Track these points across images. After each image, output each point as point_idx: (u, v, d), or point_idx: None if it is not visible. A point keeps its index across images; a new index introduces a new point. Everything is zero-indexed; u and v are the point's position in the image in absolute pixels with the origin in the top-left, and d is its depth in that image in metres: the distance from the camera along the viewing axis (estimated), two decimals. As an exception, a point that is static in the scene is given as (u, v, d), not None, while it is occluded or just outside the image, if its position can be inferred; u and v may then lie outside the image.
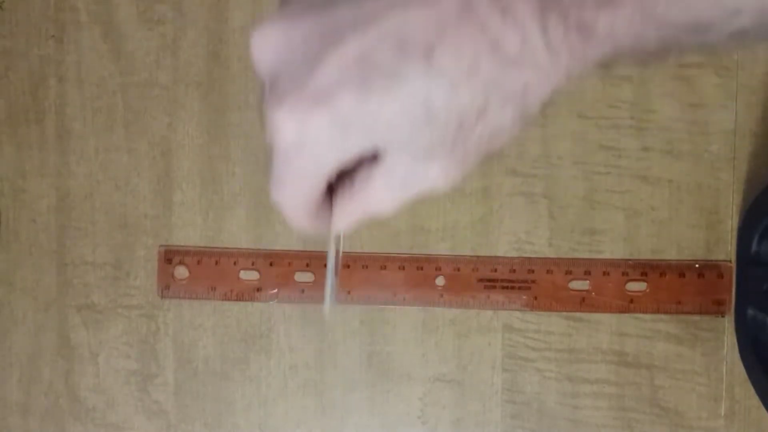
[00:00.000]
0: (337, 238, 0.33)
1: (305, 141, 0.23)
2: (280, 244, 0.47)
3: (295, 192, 0.24)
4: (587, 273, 0.46)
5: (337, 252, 0.33)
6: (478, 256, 0.46)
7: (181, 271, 0.47)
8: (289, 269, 0.47)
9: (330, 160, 0.23)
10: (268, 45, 0.23)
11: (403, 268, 0.46)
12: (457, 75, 0.21)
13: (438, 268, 0.46)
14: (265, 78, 0.24)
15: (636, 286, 0.45)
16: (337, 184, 0.25)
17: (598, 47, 0.21)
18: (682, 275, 0.45)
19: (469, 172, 0.24)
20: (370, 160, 0.24)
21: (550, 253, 0.46)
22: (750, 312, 0.43)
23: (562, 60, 0.22)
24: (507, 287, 0.46)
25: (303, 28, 0.22)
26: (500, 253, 0.46)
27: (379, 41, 0.21)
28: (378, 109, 0.22)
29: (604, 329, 0.46)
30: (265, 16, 0.23)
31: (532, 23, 0.21)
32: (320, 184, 0.24)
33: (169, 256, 0.47)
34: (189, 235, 0.47)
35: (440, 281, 0.46)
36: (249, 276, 0.47)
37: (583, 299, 0.45)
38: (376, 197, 0.25)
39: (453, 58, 0.21)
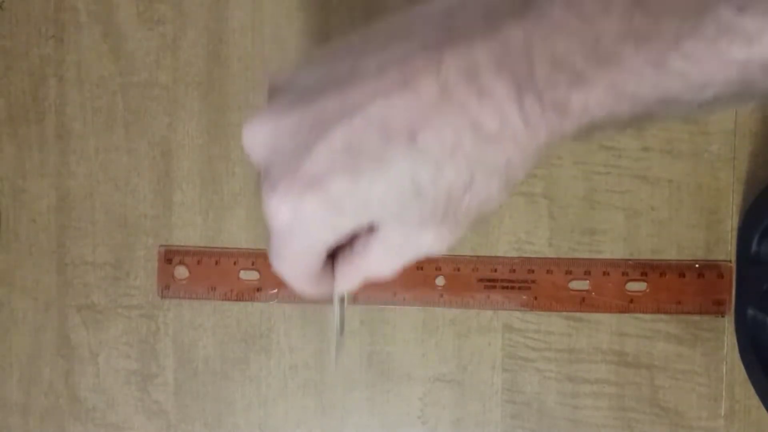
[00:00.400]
0: (341, 297, 0.34)
1: (300, 223, 0.24)
2: (280, 244, 0.47)
3: (293, 266, 0.26)
4: (587, 273, 0.46)
5: (342, 311, 0.34)
6: (478, 256, 0.46)
7: (181, 271, 0.47)
8: (289, 269, 0.47)
9: (324, 238, 0.25)
10: (260, 138, 0.25)
11: (403, 268, 0.46)
12: (441, 155, 0.23)
13: (438, 268, 0.46)
14: (259, 166, 0.25)
15: (636, 286, 0.45)
16: (337, 249, 0.27)
17: (574, 121, 0.22)
18: (682, 275, 0.45)
19: (463, 235, 0.25)
20: (366, 229, 0.25)
21: (550, 253, 0.46)
22: (750, 312, 0.43)
23: (540, 134, 0.23)
24: (507, 287, 0.46)
25: (292, 120, 0.24)
26: (500, 253, 0.46)
27: (364, 128, 0.23)
28: (368, 191, 0.23)
29: (604, 329, 0.46)
30: (256, 112, 0.25)
31: (509, 104, 0.22)
32: (317, 259, 0.26)
33: (169, 256, 0.47)
34: (189, 235, 0.47)
35: (440, 281, 0.46)
36: (249, 276, 0.47)
37: (583, 299, 0.45)
38: (374, 263, 0.26)
39: (436, 140, 0.22)
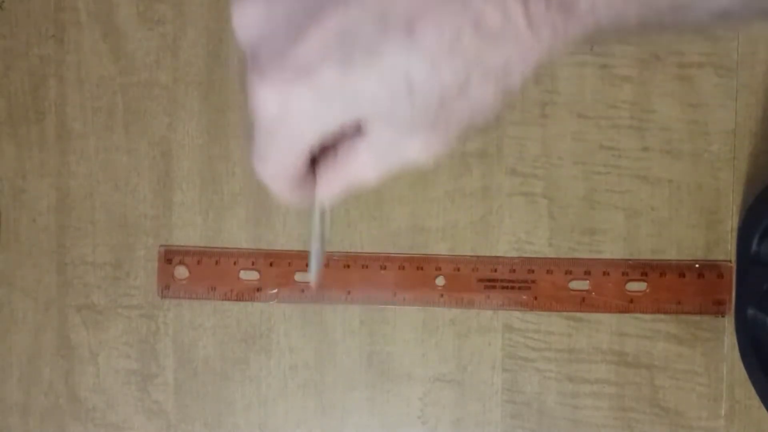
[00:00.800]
0: (323, 209, 0.33)
1: (287, 114, 0.23)
2: (280, 244, 0.47)
3: (277, 164, 0.25)
4: (587, 273, 0.46)
5: (325, 221, 0.33)
6: (478, 256, 0.46)
7: (181, 271, 0.47)
8: (289, 269, 0.47)
9: (312, 132, 0.23)
10: (251, 17, 0.23)
11: (403, 268, 0.46)
12: (438, 51, 0.22)
13: (438, 268, 0.46)
14: (247, 50, 0.24)
15: (636, 286, 0.45)
16: (320, 155, 0.26)
17: (580, 24, 0.22)
18: (682, 275, 0.45)
19: (452, 146, 0.24)
20: (353, 131, 0.24)
21: (550, 253, 0.46)
22: (750, 312, 0.43)
23: (543, 36, 0.22)
24: (507, 287, 0.46)
25: (285, 1, 0.23)
26: (500, 253, 0.46)
27: (361, 16, 0.22)
28: (359, 83, 0.22)
29: (604, 329, 0.46)
30: None
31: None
32: (303, 156, 0.24)
33: (169, 256, 0.47)
34: (189, 235, 0.47)
35: (440, 281, 0.46)
36: (249, 276, 0.47)
37: (583, 299, 0.45)
38: (359, 167, 0.25)
39: (434, 34, 0.21)
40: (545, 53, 0.22)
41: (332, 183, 0.26)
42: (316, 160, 0.26)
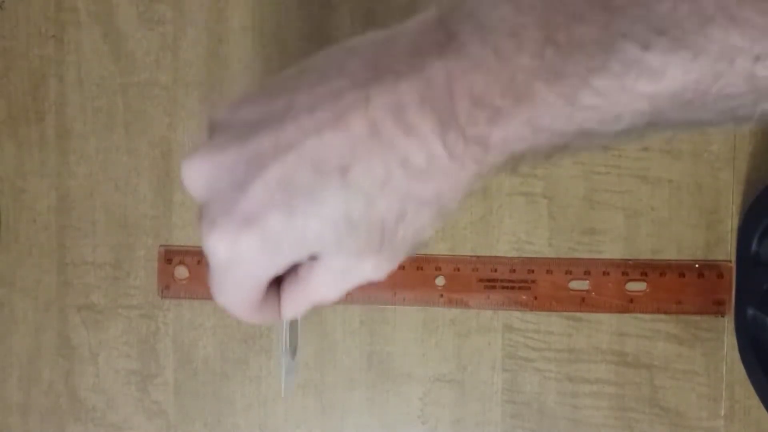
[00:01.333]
0: (294, 321, 0.34)
1: (238, 259, 0.25)
2: (280, 244, 0.47)
3: (235, 298, 0.27)
4: (587, 273, 0.46)
5: (295, 334, 0.34)
6: (478, 256, 0.46)
7: (181, 271, 0.47)
8: (289, 269, 0.47)
9: (263, 273, 0.25)
10: (198, 175, 0.25)
11: (403, 268, 0.46)
12: (372, 189, 0.24)
13: (438, 268, 0.46)
14: (199, 203, 0.26)
15: (636, 286, 0.45)
16: (284, 275, 0.27)
17: (497, 154, 0.23)
18: (682, 275, 0.45)
19: (403, 260, 0.26)
20: (311, 257, 0.26)
21: (550, 253, 0.46)
22: (750, 312, 0.43)
23: (467, 166, 0.24)
24: (507, 287, 0.46)
25: (228, 157, 0.25)
26: (500, 253, 0.46)
27: (298, 165, 0.23)
28: (303, 226, 0.24)
29: (604, 329, 0.46)
30: (198, 148, 0.26)
31: (433, 139, 0.23)
32: (258, 292, 0.26)
33: (169, 256, 0.47)
34: (189, 235, 0.47)
35: (440, 281, 0.46)
36: (249, 276, 0.47)
37: (583, 299, 0.45)
38: (319, 289, 0.27)
39: (366, 175, 0.23)
40: (472, 180, 0.24)
41: (295, 302, 0.28)
42: (280, 280, 0.28)
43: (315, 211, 0.24)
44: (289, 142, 0.23)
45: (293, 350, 0.35)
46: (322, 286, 0.26)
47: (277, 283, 0.28)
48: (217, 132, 0.26)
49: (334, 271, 0.26)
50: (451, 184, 0.24)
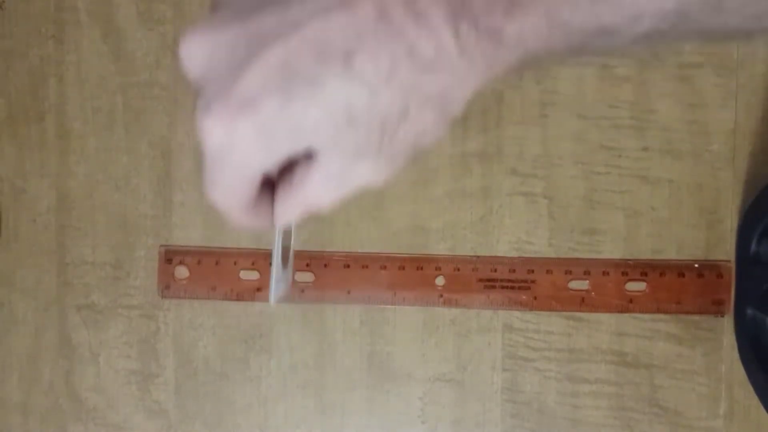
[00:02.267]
0: (288, 230, 0.33)
1: (232, 145, 0.24)
2: (280, 244, 0.47)
3: (227, 192, 0.25)
4: (587, 273, 0.46)
5: (288, 245, 0.34)
6: (478, 256, 0.46)
7: (182, 271, 0.47)
8: (289, 269, 0.47)
9: (258, 163, 0.24)
10: (196, 52, 0.24)
11: (403, 268, 0.46)
12: (376, 80, 0.22)
13: (438, 268, 0.46)
14: (194, 83, 0.24)
15: (636, 286, 0.45)
16: (278, 179, 0.26)
17: (510, 51, 0.22)
18: (681, 275, 0.45)
19: (406, 167, 0.25)
20: (307, 156, 0.25)
21: (549, 253, 0.46)
22: (749, 312, 0.43)
23: (477, 64, 0.23)
24: (507, 287, 0.46)
25: (228, 35, 0.23)
26: (500, 253, 0.46)
27: (300, 48, 0.22)
28: (301, 114, 0.23)
29: (604, 329, 0.46)
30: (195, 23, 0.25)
31: (445, 29, 0.22)
32: (252, 185, 0.25)
33: (169, 256, 0.47)
34: (189, 235, 0.47)
35: (440, 281, 0.46)
36: (249, 276, 0.47)
37: (583, 299, 0.46)
38: (313, 193, 0.25)
39: (371, 64, 0.22)
40: (481, 80, 0.23)
41: (289, 207, 0.27)
42: (275, 183, 0.27)
43: (315, 99, 0.23)
44: (293, 23, 0.22)
45: (286, 259, 0.34)
46: (316, 190, 0.25)
47: (272, 188, 0.27)
48: (219, 8, 0.25)
49: (330, 172, 0.25)
50: (458, 81, 0.23)
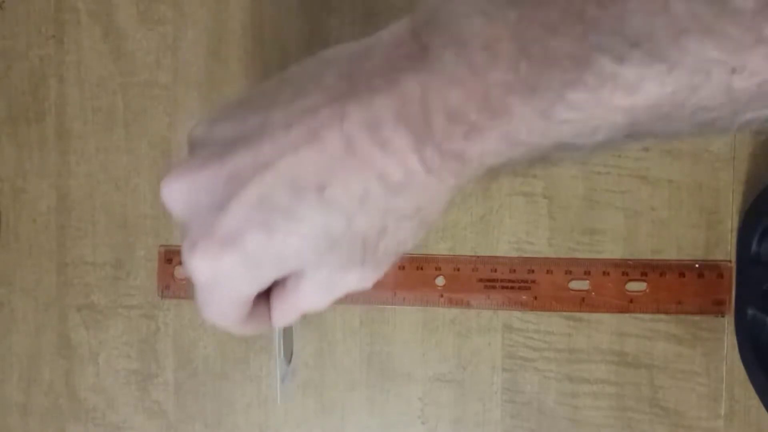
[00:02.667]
0: (287, 327, 0.34)
1: (220, 278, 0.25)
2: (280, 244, 0.47)
3: (221, 315, 0.27)
4: (587, 273, 0.46)
5: (290, 340, 0.34)
6: (478, 256, 0.46)
7: (181, 271, 0.47)
8: (289, 269, 0.47)
9: (246, 290, 0.25)
10: (177, 193, 0.25)
11: (403, 268, 0.46)
12: (351, 206, 0.23)
13: (438, 268, 0.46)
14: (179, 222, 0.26)
15: (636, 286, 0.45)
16: (272, 286, 0.27)
17: (475, 167, 0.23)
18: (682, 275, 0.45)
19: (388, 269, 0.26)
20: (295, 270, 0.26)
21: (550, 253, 0.46)
22: (750, 312, 0.43)
23: (445, 180, 0.23)
24: (507, 287, 0.46)
25: (207, 176, 0.25)
26: (500, 253, 0.46)
27: (275, 184, 0.23)
28: (283, 245, 0.24)
29: (604, 329, 0.46)
30: (174, 164, 0.26)
31: (410, 155, 0.23)
32: (243, 307, 0.26)
33: (169, 256, 0.47)
34: (189, 235, 0.47)
35: (440, 281, 0.46)
36: (249, 276, 0.47)
37: (583, 299, 0.45)
38: (306, 300, 0.27)
39: (344, 192, 0.23)
40: (452, 192, 0.24)
41: (285, 311, 0.28)
42: (270, 289, 0.28)
43: (294, 229, 0.24)
44: (266, 161, 0.23)
45: (289, 356, 0.35)
46: (309, 297, 0.26)
47: (267, 292, 0.28)
48: (195, 149, 0.26)
49: (319, 282, 0.26)
50: (430, 198, 0.24)
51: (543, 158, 0.23)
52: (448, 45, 0.22)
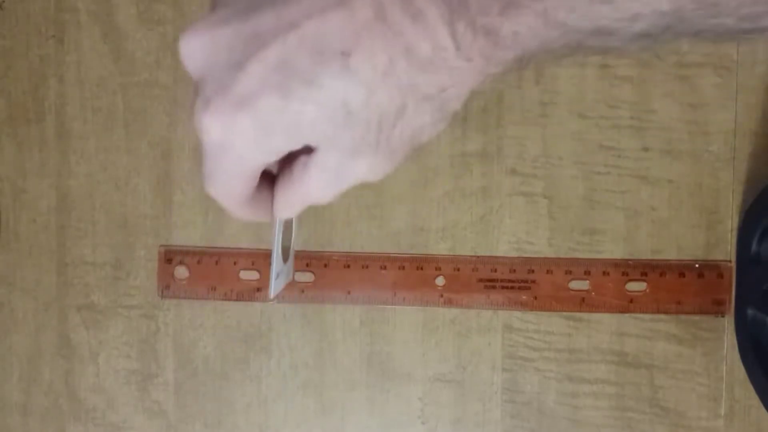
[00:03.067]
0: (288, 224, 0.33)
1: (230, 142, 0.24)
2: (280, 244, 0.47)
3: (226, 187, 0.26)
4: (587, 273, 0.46)
5: (289, 240, 0.33)
6: (478, 256, 0.46)
7: (181, 271, 0.47)
8: (289, 269, 0.47)
9: (256, 159, 0.24)
10: (195, 50, 0.24)
11: (403, 268, 0.46)
12: (373, 78, 0.22)
13: (438, 268, 0.46)
14: (194, 80, 0.25)
15: (636, 286, 0.45)
16: (278, 173, 0.26)
17: (507, 50, 0.22)
18: (682, 275, 0.45)
19: (403, 163, 0.25)
20: (306, 150, 0.25)
21: (550, 253, 0.46)
22: (750, 312, 0.43)
23: (474, 62, 0.23)
24: (507, 287, 0.46)
25: (227, 33, 0.24)
26: (500, 253, 0.46)
27: (298, 47, 0.22)
28: (299, 112, 0.23)
29: (604, 329, 0.46)
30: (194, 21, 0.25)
31: (442, 29, 0.22)
32: (250, 180, 0.25)
33: (169, 256, 0.47)
34: (189, 235, 0.47)
35: (440, 281, 0.46)
36: (249, 276, 0.47)
37: (583, 299, 0.45)
38: (312, 188, 0.26)
39: (368, 63, 0.22)
40: (478, 78, 0.23)
41: (288, 200, 0.27)
42: (275, 176, 0.27)
43: (312, 96, 0.23)
44: (291, 22, 0.22)
45: (286, 254, 0.34)
46: (315, 185, 0.25)
47: (271, 180, 0.27)
48: (218, 7, 0.25)
49: (328, 169, 0.25)
50: (455, 80, 0.23)
51: (577, 46, 0.23)
52: None
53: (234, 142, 0.24)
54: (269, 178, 0.27)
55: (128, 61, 0.47)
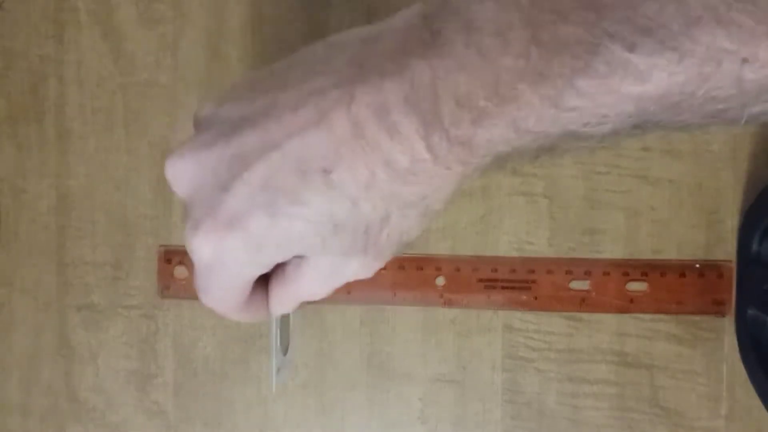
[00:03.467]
0: (285, 317, 0.34)
1: (222, 260, 0.25)
2: (280, 244, 0.47)
3: (220, 299, 0.27)
4: (587, 273, 0.46)
5: (286, 330, 0.34)
6: (478, 256, 0.46)
7: (181, 271, 0.47)
8: (289, 269, 0.47)
9: (247, 274, 0.25)
10: (181, 173, 0.25)
11: (403, 268, 0.46)
12: (356, 191, 0.23)
13: (438, 268, 0.46)
14: (183, 201, 0.26)
15: (636, 286, 0.45)
16: (272, 273, 0.27)
17: (483, 156, 0.23)
18: (682, 275, 0.45)
19: (389, 259, 0.26)
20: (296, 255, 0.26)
21: (550, 253, 0.46)
22: (750, 312, 0.43)
23: (452, 169, 0.23)
24: (507, 287, 0.46)
25: (212, 156, 0.24)
26: (500, 253, 0.46)
27: (281, 166, 0.23)
28: (287, 227, 0.24)
29: (605, 329, 0.46)
30: (180, 144, 0.26)
31: (418, 142, 0.22)
32: (243, 291, 0.26)
33: (169, 256, 0.47)
34: (189, 235, 0.47)
35: (440, 281, 0.46)
36: (249, 276, 0.47)
37: (584, 299, 0.45)
38: (306, 288, 0.27)
39: (350, 177, 0.23)
40: (458, 182, 0.24)
41: (283, 299, 0.27)
42: (268, 275, 0.27)
43: (299, 213, 0.23)
44: (273, 142, 0.23)
45: (285, 347, 0.34)
46: (309, 285, 0.26)
47: (265, 279, 0.27)
48: (201, 128, 0.26)
49: (320, 270, 0.25)
50: (435, 186, 0.24)
51: (550, 148, 0.23)
52: (460, 30, 0.22)
53: (225, 260, 0.24)
54: (263, 278, 0.27)
55: (128, 61, 0.47)
